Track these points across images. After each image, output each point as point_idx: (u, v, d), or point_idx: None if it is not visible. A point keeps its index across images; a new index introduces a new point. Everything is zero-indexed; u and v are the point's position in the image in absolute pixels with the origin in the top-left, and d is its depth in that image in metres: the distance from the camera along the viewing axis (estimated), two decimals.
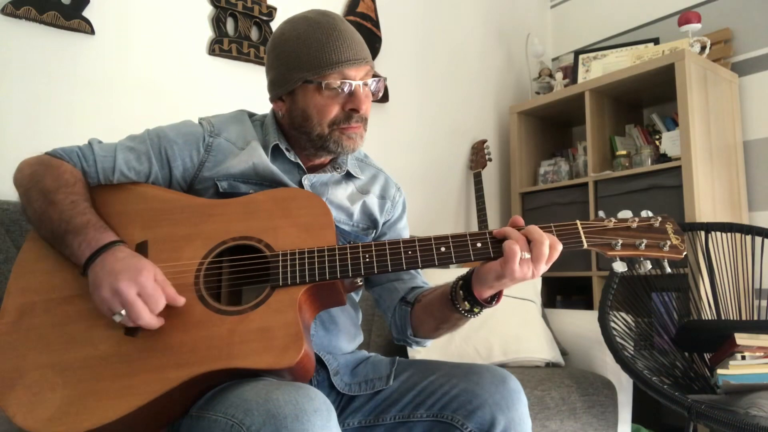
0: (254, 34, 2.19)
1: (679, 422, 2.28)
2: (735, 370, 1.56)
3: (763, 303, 2.16)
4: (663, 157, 2.36)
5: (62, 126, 1.73)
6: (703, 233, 1.99)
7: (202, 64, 2.05)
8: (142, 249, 0.96)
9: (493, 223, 2.87)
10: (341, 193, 1.16)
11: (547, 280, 2.64)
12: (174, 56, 1.99)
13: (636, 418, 2.06)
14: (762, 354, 1.57)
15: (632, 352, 1.81)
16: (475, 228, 2.72)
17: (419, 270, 1.16)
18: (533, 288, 2.16)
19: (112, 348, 0.88)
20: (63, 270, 0.95)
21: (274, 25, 2.20)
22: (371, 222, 1.20)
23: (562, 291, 2.77)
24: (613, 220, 0.96)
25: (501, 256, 0.92)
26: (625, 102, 2.70)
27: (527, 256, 0.89)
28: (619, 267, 0.94)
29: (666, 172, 2.26)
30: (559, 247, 0.92)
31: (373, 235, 1.21)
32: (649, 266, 0.95)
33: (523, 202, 2.84)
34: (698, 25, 2.37)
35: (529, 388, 1.64)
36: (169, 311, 0.89)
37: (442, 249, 0.93)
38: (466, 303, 0.98)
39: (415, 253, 0.94)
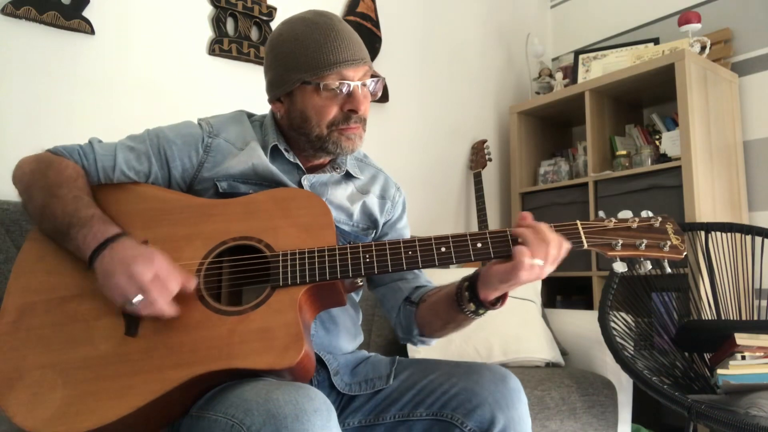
0: (254, 34, 2.19)
1: (679, 422, 2.28)
2: (735, 370, 1.56)
3: (763, 303, 2.16)
4: (663, 157, 2.36)
5: (62, 126, 1.73)
6: (703, 233, 1.99)
7: (202, 64, 2.05)
8: None
9: (493, 224, 2.87)
10: (341, 194, 1.16)
11: (547, 280, 2.63)
12: (174, 56, 1.99)
13: (636, 418, 2.06)
14: (762, 354, 1.57)
15: (632, 352, 1.81)
16: (475, 228, 2.72)
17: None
18: (533, 288, 2.16)
19: (113, 348, 0.88)
20: (63, 270, 0.95)
21: (274, 25, 2.20)
22: (371, 222, 1.20)
23: (562, 291, 2.77)
24: (614, 220, 0.96)
25: (502, 256, 0.92)
26: (625, 102, 2.70)
27: (538, 262, 0.89)
28: (620, 267, 0.94)
29: (666, 172, 2.26)
30: (567, 246, 0.91)
31: (373, 235, 1.21)
32: (649, 266, 0.95)
33: (523, 202, 2.84)
34: (698, 25, 2.37)
35: (529, 388, 1.64)
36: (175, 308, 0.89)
37: (443, 249, 0.93)
38: (471, 304, 0.98)
39: (416, 253, 0.94)
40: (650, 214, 0.98)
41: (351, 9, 2.42)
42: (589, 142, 2.54)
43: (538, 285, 2.21)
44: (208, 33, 2.08)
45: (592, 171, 2.52)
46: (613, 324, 1.79)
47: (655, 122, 2.61)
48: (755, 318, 2.08)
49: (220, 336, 0.88)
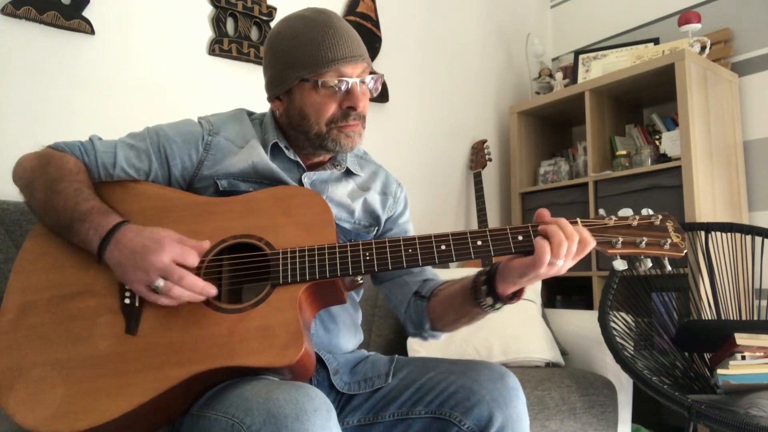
0: (254, 34, 2.19)
1: (679, 422, 2.28)
2: (735, 370, 1.56)
3: (763, 303, 2.16)
4: (663, 157, 2.36)
5: (62, 126, 1.73)
6: (703, 233, 1.99)
7: (202, 64, 2.05)
8: None
9: (493, 224, 2.87)
10: (341, 191, 1.16)
11: (547, 280, 2.63)
12: (174, 56, 1.99)
13: (636, 418, 2.06)
14: (762, 354, 1.57)
15: (632, 352, 1.81)
16: (475, 228, 2.72)
17: None
18: (533, 288, 2.16)
19: (113, 346, 0.88)
20: (64, 268, 0.95)
21: (274, 25, 2.20)
22: (373, 219, 1.20)
23: (562, 291, 2.76)
24: (614, 218, 0.96)
25: (502, 253, 0.92)
26: (625, 102, 2.70)
27: (559, 262, 0.88)
28: (620, 265, 0.94)
29: (666, 172, 2.26)
30: (592, 243, 0.91)
31: (374, 232, 1.21)
32: (650, 264, 0.95)
33: (523, 202, 2.84)
34: (698, 25, 2.37)
35: (529, 388, 1.64)
36: (170, 310, 0.89)
37: (443, 247, 0.93)
38: (489, 299, 0.98)
39: (416, 251, 0.93)
40: (651, 212, 0.98)
41: (351, 9, 2.43)
42: (589, 142, 2.54)
43: (538, 285, 2.21)
44: (208, 33, 2.08)
45: (592, 171, 2.52)
46: (613, 324, 1.79)
47: (655, 122, 2.61)
48: (755, 318, 2.08)
49: (221, 334, 0.88)
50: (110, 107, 1.83)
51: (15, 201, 1.45)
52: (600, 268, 2.44)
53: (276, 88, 1.09)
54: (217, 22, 2.09)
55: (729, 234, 1.98)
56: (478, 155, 2.76)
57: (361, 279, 1.00)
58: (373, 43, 2.46)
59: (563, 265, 0.90)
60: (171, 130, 1.10)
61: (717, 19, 2.53)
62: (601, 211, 0.99)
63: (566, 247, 0.88)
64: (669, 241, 0.94)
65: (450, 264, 2.36)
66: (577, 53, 2.82)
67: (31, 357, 0.88)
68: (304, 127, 1.07)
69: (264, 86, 1.14)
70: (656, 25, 2.78)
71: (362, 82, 1.06)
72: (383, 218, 1.22)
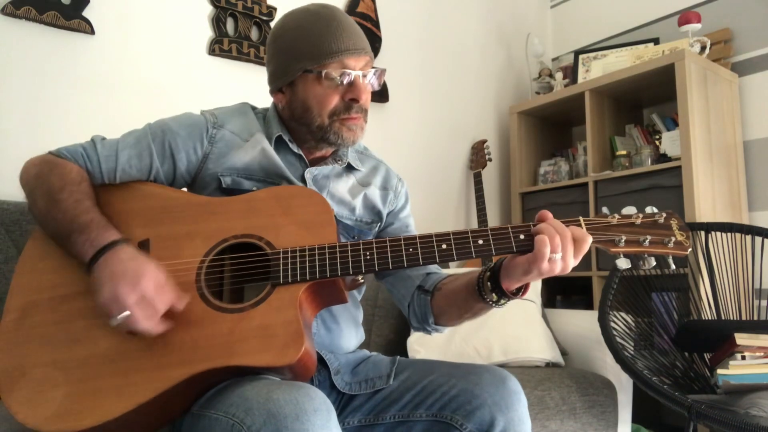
0: (254, 34, 2.19)
1: (679, 422, 2.28)
2: (735, 370, 1.56)
3: (763, 303, 2.16)
4: (663, 157, 2.36)
5: (62, 126, 1.73)
6: (703, 233, 1.99)
7: (202, 64, 2.06)
8: (143, 247, 0.96)
9: (493, 223, 2.87)
10: (342, 187, 1.16)
11: (547, 280, 2.64)
12: (174, 56, 1.99)
13: (636, 418, 2.06)
14: (762, 354, 1.57)
15: (632, 352, 1.81)
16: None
17: None
18: (533, 288, 2.16)
19: (114, 346, 0.88)
20: (66, 268, 0.95)
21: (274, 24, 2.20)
22: (375, 215, 1.20)
23: (562, 291, 2.77)
24: (617, 216, 0.95)
25: (504, 252, 0.92)
26: (625, 102, 2.70)
27: (557, 256, 0.88)
28: (623, 264, 0.93)
29: (666, 172, 2.26)
30: (589, 240, 0.91)
31: (377, 228, 1.21)
32: (654, 263, 0.94)
33: (523, 202, 2.84)
34: (698, 25, 2.38)
35: (529, 388, 1.64)
36: (170, 310, 0.89)
37: (444, 246, 0.93)
38: (493, 294, 0.98)
39: (416, 250, 0.93)
40: (655, 210, 0.96)
41: (351, 9, 2.43)
42: (589, 142, 2.54)
43: (538, 285, 2.21)
44: (208, 33, 2.08)
45: (592, 171, 2.52)
46: (613, 324, 1.79)
47: (655, 122, 2.61)
48: (755, 318, 2.08)
49: (221, 334, 0.88)
50: (110, 107, 1.83)
51: (15, 201, 1.45)
52: (600, 268, 2.44)
53: (279, 80, 1.10)
54: (217, 22, 2.09)
55: (729, 234, 1.98)
56: (478, 155, 2.76)
57: (362, 278, 1.00)
58: (373, 43, 2.46)
59: (565, 263, 0.89)
60: (174, 124, 1.10)
61: (717, 19, 2.53)
62: (605, 210, 0.97)
63: (559, 239, 0.88)
64: (673, 239, 0.93)
65: (450, 263, 2.37)
66: (577, 53, 2.82)
67: (32, 357, 0.88)
68: (307, 119, 1.08)
69: (267, 79, 1.14)
70: (656, 25, 2.78)
71: (365, 75, 1.06)
72: (384, 213, 1.22)
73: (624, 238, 0.93)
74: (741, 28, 2.47)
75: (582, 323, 2.09)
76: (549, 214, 0.93)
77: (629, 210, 0.96)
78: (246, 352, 0.86)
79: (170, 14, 1.99)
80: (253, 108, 1.20)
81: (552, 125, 3.01)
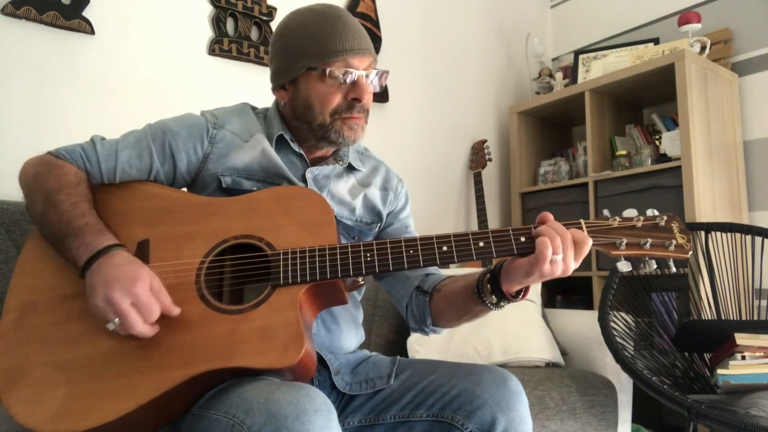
0: (254, 34, 2.19)
1: (679, 422, 2.28)
2: (735, 370, 1.56)
3: (763, 303, 2.16)
4: (663, 157, 2.36)
5: (62, 126, 1.73)
6: (703, 233, 1.99)
7: (202, 64, 2.05)
8: (143, 247, 0.96)
9: (493, 224, 2.87)
10: (342, 187, 1.16)
11: (546, 281, 2.63)
12: (174, 56, 1.99)
13: (636, 418, 2.06)
14: (762, 354, 1.57)
15: (632, 352, 1.81)
16: (475, 228, 2.72)
17: None
18: (533, 288, 2.16)
19: (114, 347, 0.88)
20: (65, 268, 0.95)
21: (274, 24, 2.20)
22: (375, 215, 1.20)
23: (562, 291, 2.77)
24: (618, 219, 0.95)
25: (504, 254, 0.92)
26: (625, 102, 2.70)
27: (558, 258, 0.88)
28: (624, 267, 0.93)
29: (666, 172, 2.26)
30: (589, 242, 0.90)
31: (377, 228, 1.21)
32: (655, 266, 0.93)
33: (523, 202, 2.84)
34: (698, 25, 2.38)
35: (529, 388, 1.63)
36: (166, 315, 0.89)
37: (444, 248, 0.93)
38: (493, 297, 0.98)
39: (417, 252, 0.93)
40: (656, 212, 0.96)
41: (351, 9, 2.42)
42: (589, 142, 2.54)
43: (538, 285, 2.21)
44: (208, 33, 2.08)
45: (592, 171, 2.52)
46: (613, 324, 1.79)
47: (655, 122, 2.61)
48: (755, 318, 2.08)
49: (221, 335, 0.88)
50: (110, 107, 1.83)
51: (15, 201, 1.45)
52: (600, 268, 2.44)
53: (282, 77, 1.10)
54: (217, 22, 2.09)
55: (729, 234, 1.98)
56: (478, 155, 2.76)
57: (362, 279, 1.00)
58: (373, 43, 2.45)
59: (567, 265, 0.89)
60: (175, 124, 1.10)
61: (717, 19, 2.53)
62: (605, 212, 0.97)
63: (560, 241, 0.88)
64: (674, 242, 0.93)
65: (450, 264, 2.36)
66: (577, 53, 2.82)
67: (32, 357, 0.88)
68: (308, 117, 1.08)
69: (269, 76, 1.14)
70: (656, 25, 2.78)
71: (368, 75, 1.07)
72: (384, 213, 1.22)
73: (625, 241, 0.93)
74: (741, 28, 2.47)
75: (582, 323, 2.09)
76: (550, 216, 0.93)
77: (630, 213, 0.96)
78: (246, 354, 0.85)
79: (170, 14, 1.99)
80: (254, 108, 1.20)
81: (552, 125, 3.01)
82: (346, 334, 1.14)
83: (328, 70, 1.03)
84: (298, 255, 0.93)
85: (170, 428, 0.94)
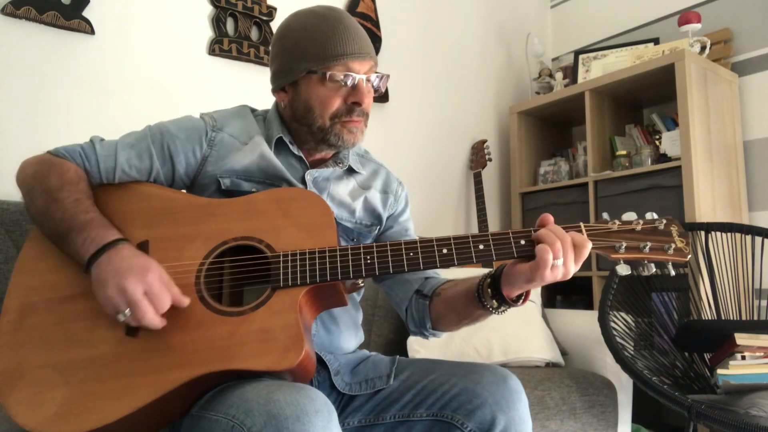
0: (254, 34, 2.19)
1: (679, 422, 2.29)
2: (735, 370, 1.56)
3: (763, 303, 2.16)
4: (663, 157, 2.36)
5: (62, 126, 1.73)
6: (703, 233, 1.99)
7: (202, 64, 2.05)
8: (143, 248, 0.96)
9: (493, 223, 2.87)
10: (342, 189, 1.16)
11: None
12: (174, 56, 1.99)
13: (636, 418, 2.06)
14: (762, 354, 1.57)
15: (632, 352, 1.81)
16: (475, 228, 2.73)
17: None
18: (533, 289, 2.16)
19: (114, 348, 0.88)
20: (65, 269, 0.94)
21: (274, 25, 2.20)
22: (375, 218, 1.20)
23: (562, 291, 2.77)
24: (617, 222, 0.95)
25: (505, 257, 0.92)
26: (625, 102, 2.70)
27: (559, 262, 0.88)
28: (623, 270, 0.93)
29: (666, 172, 2.26)
30: (589, 246, 0.90)
31: (376, 231, 1.21)
32: (653, 269, 0.94)
33: (523, 202, 2.84)
34: (698, 25, 2.37)
35: (529, 388, 1.64)
36: (170, 312, 0.89)
37: (444, 251, 0.93)
38: (494, 301, 0.98)
39: (417, 254, 0.93)
40: (655, 216, 0.96)
41: (351, 9, 2.42)
42: (589, 142, 2.54)
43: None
44: (208, 33, 2.08)
45: (592, 171, 2.52)
46: (613, 324, 1.79)
47: (655, 122, 2.61)
48: (755, 318, 2.08)
49: (221, 337, 0.87)
50: (110, 107, 1.83)
51: (15, 201, 1.45)
52: (600, 268, 2.44)
53: (282, 79, 1.10)
54: (217, 22, 2.09)
55: (729, 234, 1.98)
56: (478, 155, 2.76)
57: (362, 282, 1.00)
58: (373, 43, 2.43)
59: (567, 269, 0.89)
60: (174, 127, 1.10)
61: (717, 19, 2.53)
62: (605, 215, 0.98)
63: (560, 245, 0.88)
64: (673, 245, 0.93)
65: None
66: (577, 53, 2.82)
67: (31, 358, 0.88)
68: (308, 120, 1.08)
69: (270, 78, 1.14)
70: (656, 25, 2.78)
71: (368, 79, 1.07)
72: (384, 217, 1.22)
73: (624, 244, 0.93)
74: (741, 28, 2.47)
75: (582, 323, 2.10)
76: (550, 219, 0.93)
77: (629, 216, 0.96)
78: (246, 356, 0.85)
79: (170, 14, 1.99)
80: (253, 110, 1.20)
81: (552, 125, 3.01)
82: (346, 335, 1.14)
83: (328, 73, 1.03)
84: (298, 257, 0.93)
85: (170, 429, 0.94)
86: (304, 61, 1.05)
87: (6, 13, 1.65)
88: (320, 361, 1.07)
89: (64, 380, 0.86)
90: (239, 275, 0.95)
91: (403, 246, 0.94)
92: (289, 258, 0.93)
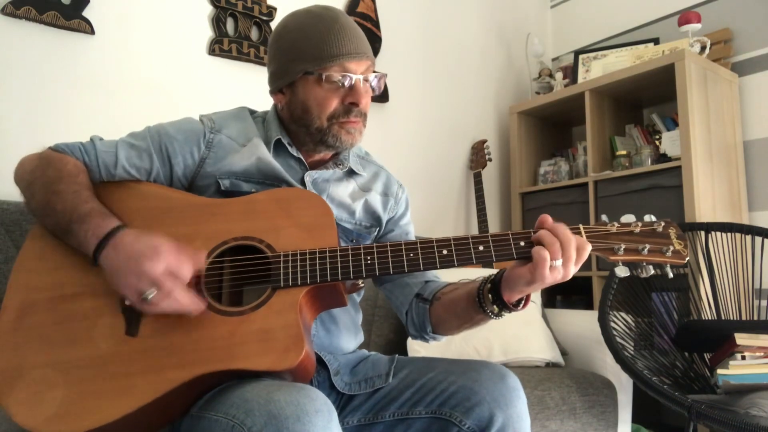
0: (254, 34, 2.19)
1: (679, 422, 2.28)
2: (735, 370, 1.56)
3: (763, 303, 2.16)
4: (663, 157, 2.36)
5: (62, 126, 1.73)
6: (703, 233, 1.99)
7: (202, 64, 2.05)
8: None
9: (493, 223, 2.87)
10: (342, 191, 1.16)
11: None
12: (174, 56, 1.99)
13: (636, 418, 2.06)
14: (762, 354, 1.57)
15: (632, 352, 1.81)
16: (475, 228, 2.73)
17: None
18: None
19: (113, 347, 0.88)
20: (64, 268, 0.94)
21: (274, 25, 2.19)
22: (374, 220, 1.20)
23: (562, 291, 2.76)
24: (616, 224, 0.95)
25: (504, 259, 0.92)
26: (625, 102, 2.70)
27: (558, 263, 0.88)
28: (622, 272, 0.93)
29: (666, 172, 2.26)
30: (588, 247, 0.90)
31: (376, 233, 1.21)
32: (652, 271, 0.94)
33: (523, 202, 2.84)
34: (698, 25, 2.38)
35: (529, 388, 1.64)
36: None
37: (444, 252, 0.93)
38: (494, 306, 0.97)
39: (417, 255, 0.93)
40: (653, 218, 0.97)
41: (351, 9, 2.43)
42: (589, 142, 2.54)
43: None
44: (208, 33, 2.08)
45: (592, 171, 2.52)
46: (613, 324, 1.79)
47: (655, 122, 2.61)
48: (755, 318, 2.08)
49: (221, 336, 0.87)
50: (110, 107, 1.83)
51: (15, 201, 1.45)
52: (600, 269, 2.44)
53: (279, 81, 1.10)
54: (217, 22, 2.09)
55: (729, 234, 1.98)
56: (478, 155, 2.76)
57: (362, 282, 1.00)
58: (373, 43, 2.45)
59: (566, 270, 0.89)
60: (172, 129, 1.10)
61: (717, 19, 2.53)
62: (604, 217, 0.98)
63: (558, 246, 0.88)
64: (671, 248, 0.93)
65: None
66: (577, 53, 2.82)
67: (31, 357, 0.88)
68: (306, 121, 1.08)
69: (267, 79, 1.14)
70: (656, 25, 2.78)
71: (365, 79, 1.06)
72: (384, 219, 1.22)
73: (623, 246, 0.93)
74: (741, 28, 2.47)
75: (582, 323, 2.10)
76: (549, 219, 0.93)
77: (628, 218, 0.97)
78: (246, 356, 0.85)
79: (170, 14, 1.99)
80: (252, 112, 1.20)
81: (552, 125, 3.01)
82: (345, 335, 1.14)
83: (325, 74, 1.03)
84: (298, 257, 0.93)
85: (169, 429, 0.94)
86: (300, 62, 1.05)
87: (6, 13, 1.65)
88: (320, 361, 1.07)
89: (63, 380, 0.86)
90: (239, 275, 0.95)
91: (403, 246, 0.94)
92: (290, 258, 0.93)
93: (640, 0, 2.86)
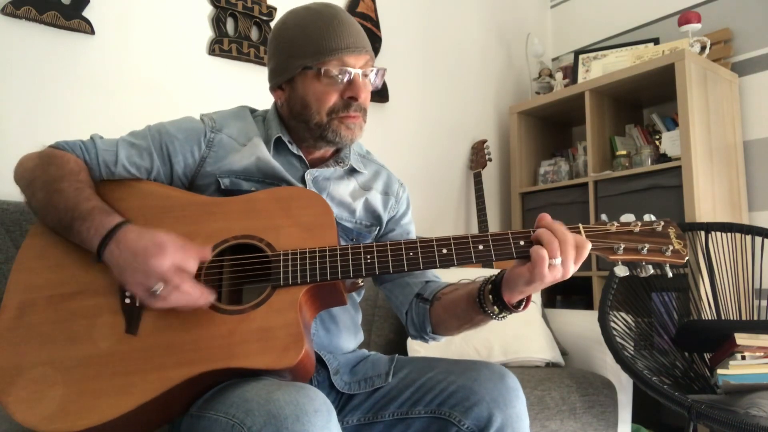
0: (254, 34, 2.19)
1: (679, 422, 2.28)
2: (735, 370, 1.56)
3: (763, 303, 2.16)
4: (663, 157, 2.36)
5: (62, 126, 1.73)
6: (703, 233, 1.99)
7: (202, 64, 2.05)
8: None
9: (493, 223, 2.87)
10: (343, 189, 1.16)
11: None
12: (174, 56, 1.99)
13: (636, 418, 2.06)
14: (762, 354, 1.57)
15: (632, 352, 1.81)
16: (475, 228, 2.73)
17: None
18: None
19: (113, 346, 0.88)
20: (64, 266, 0.95)
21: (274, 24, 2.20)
22: (375, 219, 1.20)
23: (562, 291, 2.77)
24: (616, 224, 0.95)
25: (504, 258, 0.92)
26: (625, 102, 2.70)
27: (557, 261, 0.88)
28: (621, 271, 0.93)
29: (666, 172, 2.26)
30: (588, 246, 0.90)
31: (376, 232, 1.21)
32: (651, 270, 0.94)
33: (523, 202, 2.84)
34: (698, 25, 2.38)
35: (529, 388, 1.64)
36: (170, 310, 0.89)
37: (444, 251, 0.93)
38: (495, 307, 0.97)
39: (417, 254, 0.93)
40: (653, 217, 0.97)
41: (351, 9, 2.43)
42: (589, 142, 2.54)
43: None
44: (208, 33, 2.08)
45: (592, 171, 2.52)
46: (613, 324, 1.79)
47: (655, 122, 2.61)
48: (755, 318, 2.08)
49: (221, 335, 0.88)
50: (110, 107, 1.83)
51: (15, 201, 1.45)
52: (600, 268, 2.44)
53: (279, 77, 1.10)
54: (217, 22, 2.09)
55: (729, 234, 1.98)
56: (478, 155, 2.76)
57: (362, 281, 1.00)
58: (373, 43, 2.45)
59: (566, 269, 0.89)
60: (173, 128, 1.10)
61: (717, 19, 2.53)
62: (603, 217, 0.98)
63: (557, 244, 0.87)
64: (671, 247, 0.93)
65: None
66: (577, 53, 2.82)
67: (31, 356, 0.88)
68: (305, 117, 1.08)
69: (267, 76, 1.14)
70: (656, 25, 2.78)
71: (364, 74, 1.06)
72: (385, 218, 1.21)
73: (623, 245, 0.93)
74: (741, 28, 2.47)
75: (582, 323, 2.09)
76: (548, 218, 0.93)
77: (628, 217, 0.97)
78: (246, 354, 0.85)
79: (170, 14, 1.99)
80: (253, 111, 1.20)
81: (552, 125, 3.01)
82: (345, 335, 1.14)
83: (323, 69, 1.03)
84: (298, 256, 0.93)
85: (169, 428, 0.94)
86: (299, 57, 1.05)
87: (6, 13, 1.65)
88: (320, 361, 1.07)
89: (63, 378, 0.86)
90: (239, 274, 0.95)
91: (403, 246, 0.94)
92: (290, 257, 0.93)
93: (640, 0, 2.86)
